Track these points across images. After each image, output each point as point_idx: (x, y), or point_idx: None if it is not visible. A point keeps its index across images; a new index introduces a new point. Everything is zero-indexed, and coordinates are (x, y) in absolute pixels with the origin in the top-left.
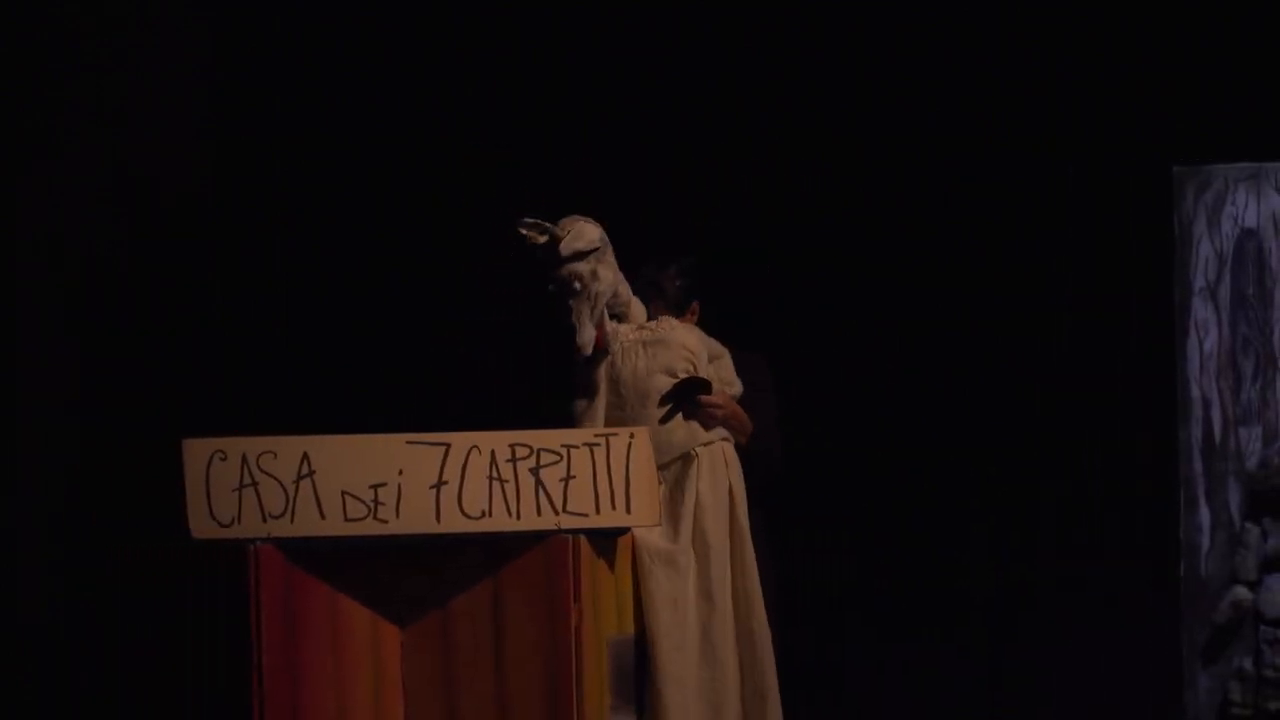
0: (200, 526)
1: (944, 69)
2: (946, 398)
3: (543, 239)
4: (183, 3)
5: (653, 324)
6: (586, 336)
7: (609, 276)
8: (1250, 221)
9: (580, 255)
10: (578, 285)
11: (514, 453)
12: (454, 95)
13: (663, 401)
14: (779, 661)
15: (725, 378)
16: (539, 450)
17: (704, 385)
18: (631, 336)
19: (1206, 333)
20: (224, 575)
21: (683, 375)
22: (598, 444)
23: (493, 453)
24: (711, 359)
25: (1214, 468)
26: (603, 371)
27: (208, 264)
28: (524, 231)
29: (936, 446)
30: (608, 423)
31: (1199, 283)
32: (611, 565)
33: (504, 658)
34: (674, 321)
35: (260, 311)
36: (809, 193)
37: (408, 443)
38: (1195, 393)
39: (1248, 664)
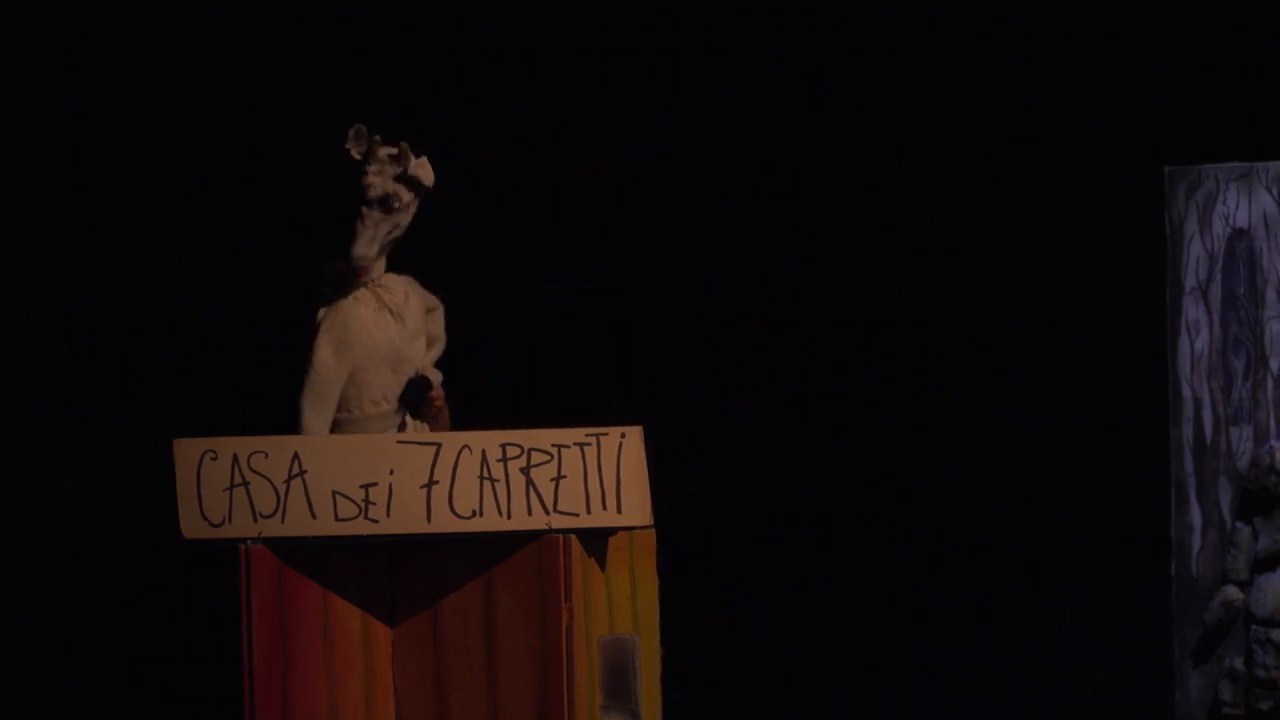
0: (191, 526)
1: (935, 69)
2: (936, 398)
3: (392, 149)
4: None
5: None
6: (366, 251)
7: (405, 224)
8: (1242, 221)
9: (415, 185)
10: (395, 204)
11: (505, 452)
12: (448, 96)
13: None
14: (776, 661)
15: (434, 333)
16: (530, 450)
17: (426, 384)
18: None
19: (1198, 333)
20: (215, 575)
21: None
22: (589, 443)
23: (483, 452)
24: (429, 310)
25: (1205, 467)
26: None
27: (202, 263)
28: (377, 140)
29: (926, 446)
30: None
31: (1190, 282)
32: (602, 564)
33: (495, 657)
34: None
35: (252, 311)
36: (803, 192)
37: (398, 442)
38: (1186, 392)
39: (1239, 664)
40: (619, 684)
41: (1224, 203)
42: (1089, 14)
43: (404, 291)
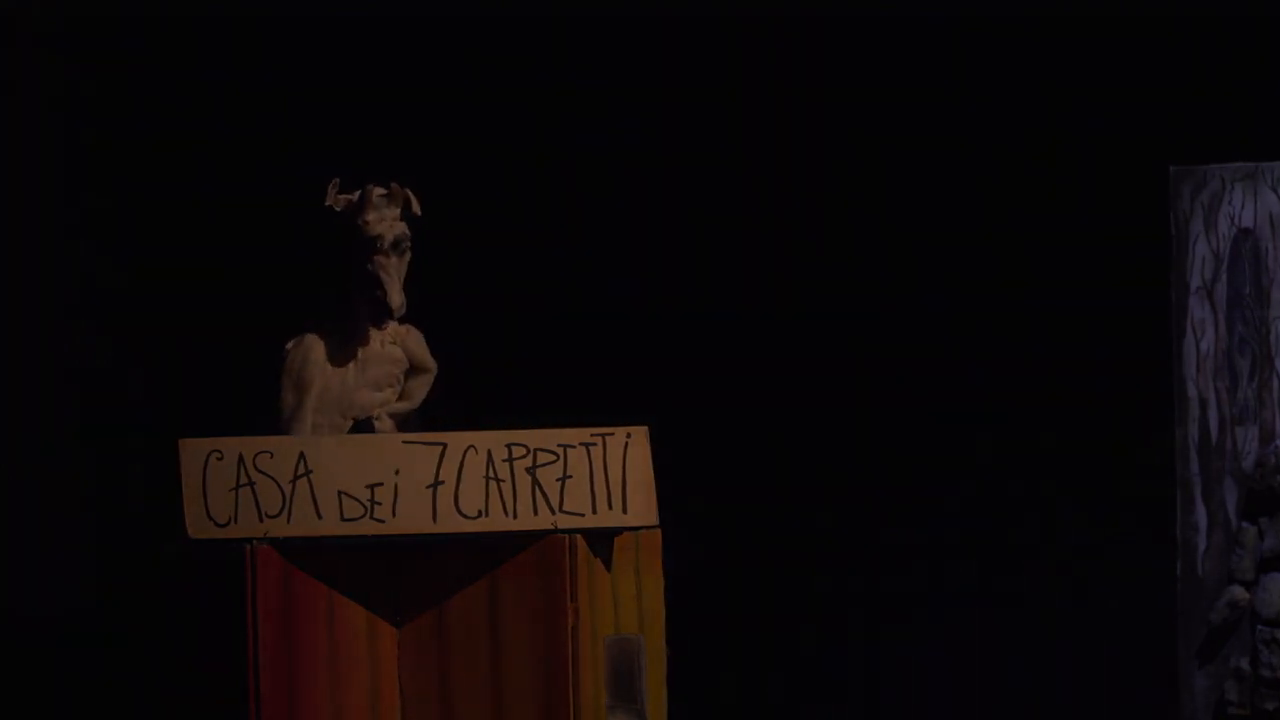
0: (197, 526)
1: (939, 68)
2: (942, 398)
3: (383, 190)
4: None
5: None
6: (401, 298)
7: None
8: (1247, 221)
9: (411, 219)
10: (406, 245)
11: (510, 452)
12: (450, 95)
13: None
14: (782, 662)
15: (411, 392)
16: (535, 450)
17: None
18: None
19: (1203, 332)
20: (221, 575)
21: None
22: (594, 444)
23: (489, 452)
24: (418, 371)
25: (1210, 467)
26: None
27: (207, 263)
28: (370, 186)
29: (932, 447)
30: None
31: (1195, 282)
32: (608, 564)
33: (500, 657)
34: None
35: (258, 311)
36: (806, 192)
37: (404, 442)
38: (1192, 392)
39: (1244, 664)
40: (624, 684)
41: (1229, 202)
42: (1094, 13)
43: (382, 341)
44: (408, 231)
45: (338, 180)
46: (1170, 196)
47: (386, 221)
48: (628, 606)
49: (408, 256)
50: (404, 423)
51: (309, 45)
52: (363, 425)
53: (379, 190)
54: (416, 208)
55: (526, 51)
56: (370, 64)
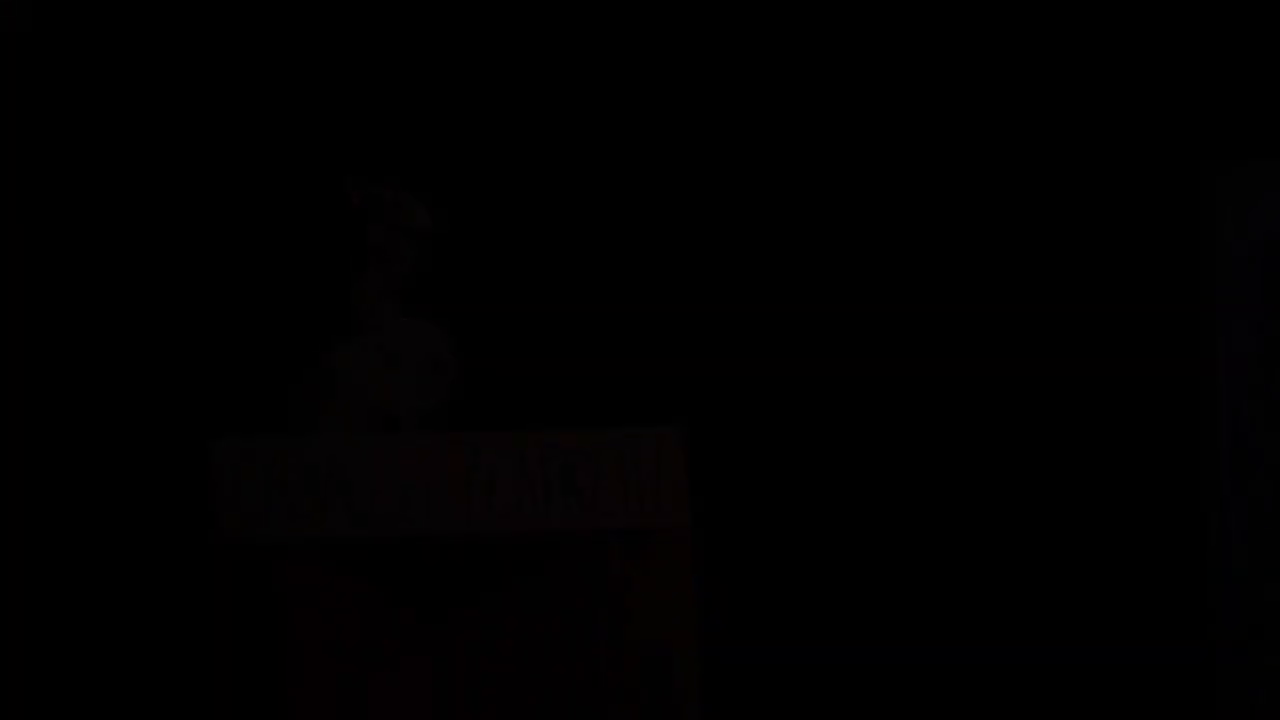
0: (229, 528)
1: (968, 63)
2: (974, 397)
3: (390, 197)
4: None
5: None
6: (393, 304)
7: (408, 270)
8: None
9: (411, 233)
10: (393, 255)
11: (545, 453)
12: (463, 95)
13: None
14: (813, 661)
15: (433, 390)
16: (569, 451)
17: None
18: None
19: (1237, 329)
20: (254, 576)
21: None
22: (627, 444)
23: (523, 453)
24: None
25: (1243, 466)
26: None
27: (236, 267)
28: (377, 190)
29: (964, 446)
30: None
31: (1229, 279)
32: (640, 565)
33: (536, 658)
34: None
35: (290, 311)
36: (832, 191)
37: (440, 443)
38: (1226, 388)
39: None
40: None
41: (1261, 201)
42: (1124, 9)
43: (408, 341)
44: (419, 241)
45: (351, 178)
46: (1203, 194)
47: (399, 229)
48: (659, 608)
49: (394, 268)
50: (428, 421)
51: (338, 55)
52: (389, 424)
53: (396, 196)
54: (429, 220)
55: (572, 38)
56: (413, 65)
